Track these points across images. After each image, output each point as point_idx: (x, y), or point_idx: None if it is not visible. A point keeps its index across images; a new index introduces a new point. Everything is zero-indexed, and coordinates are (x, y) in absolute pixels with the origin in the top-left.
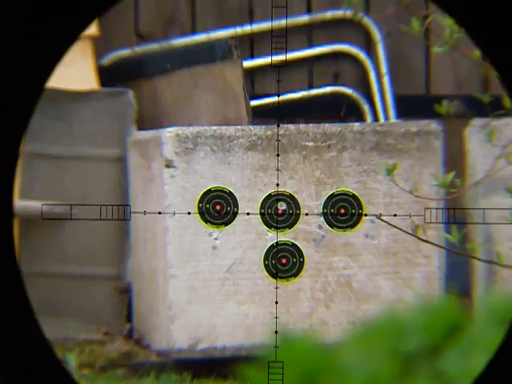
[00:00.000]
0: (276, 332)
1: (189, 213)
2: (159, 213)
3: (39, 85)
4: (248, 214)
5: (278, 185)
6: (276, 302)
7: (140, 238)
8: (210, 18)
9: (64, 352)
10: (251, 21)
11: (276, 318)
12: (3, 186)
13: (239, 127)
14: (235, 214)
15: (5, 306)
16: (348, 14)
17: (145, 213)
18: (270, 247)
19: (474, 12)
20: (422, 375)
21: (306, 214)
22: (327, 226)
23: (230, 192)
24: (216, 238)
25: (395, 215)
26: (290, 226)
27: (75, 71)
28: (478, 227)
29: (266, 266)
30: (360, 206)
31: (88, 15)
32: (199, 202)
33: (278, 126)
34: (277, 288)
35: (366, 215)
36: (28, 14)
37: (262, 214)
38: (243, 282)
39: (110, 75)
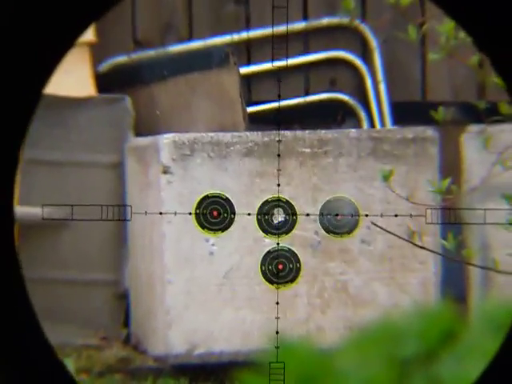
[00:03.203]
0: (277, 332)
1: (186, 218)
2: (160, 213)
3: (37, 91)
4: (245, 219)
5: (278, 190)
6: (277, 303)
7: (137, 244)
8: (206, 25)
9: (61, 357)
10: (248, 27)
11: (277, 318)
12: (3, 192)
13: (236, 133)
14: (232, 219)
15: (7, 312)
16: (344, 20)
17: (146, 213)
18: (266, 253)
19: (476, 15)
20: (418, 381)
21: (307, 214)
22: (324, 232)
23: (227, 198)
24: (213, 244)
25: (396, 215)
26: (287, 232)
27: (73, 78)
28: (475, 233)
29: (263, 272)
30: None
31: (84, 19)
32: (196, 208)
33: (279, 132)
34: (278, 288)
35: (367, 215)
36: (24, 18)
37: (258, 220)
38: (240, 287)
39: (107, 82)
